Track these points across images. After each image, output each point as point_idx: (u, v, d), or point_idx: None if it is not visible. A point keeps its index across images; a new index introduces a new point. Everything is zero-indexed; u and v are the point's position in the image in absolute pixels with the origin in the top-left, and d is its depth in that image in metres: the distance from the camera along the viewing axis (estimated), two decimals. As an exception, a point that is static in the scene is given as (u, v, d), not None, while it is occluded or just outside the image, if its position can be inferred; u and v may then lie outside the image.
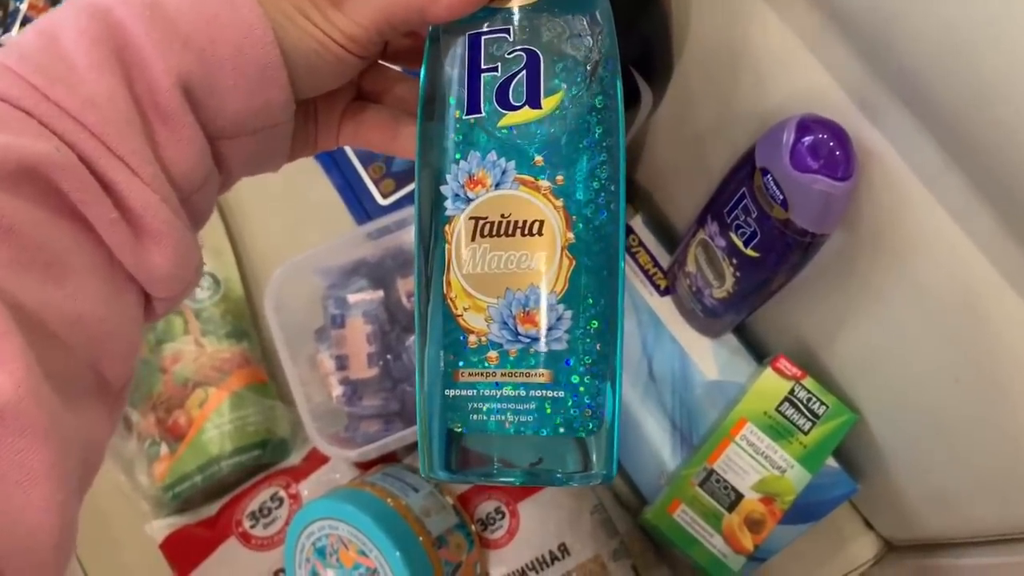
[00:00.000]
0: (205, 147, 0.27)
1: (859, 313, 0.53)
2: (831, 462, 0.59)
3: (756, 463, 0.55)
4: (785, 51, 0.48)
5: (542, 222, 0.28)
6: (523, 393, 0.28)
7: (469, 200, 0.28)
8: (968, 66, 0.35)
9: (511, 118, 0.28)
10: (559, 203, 0.28)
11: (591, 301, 0.28)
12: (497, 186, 0.28)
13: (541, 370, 0.28)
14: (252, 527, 0.62)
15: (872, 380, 0.56)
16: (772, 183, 0.47)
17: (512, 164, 0.28)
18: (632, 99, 0.51)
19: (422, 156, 0.30)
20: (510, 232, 0.28)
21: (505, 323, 0.28)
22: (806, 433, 0.56)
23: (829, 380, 0.58)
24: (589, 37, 0.28)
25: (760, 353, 0.63)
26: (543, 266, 0.28)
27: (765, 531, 0.54)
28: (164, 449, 0.66)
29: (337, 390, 0.58)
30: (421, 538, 0.50)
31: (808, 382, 0.57)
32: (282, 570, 0.60)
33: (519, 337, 0.28)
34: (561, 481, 0.29)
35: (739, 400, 0.57)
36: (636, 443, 0.62)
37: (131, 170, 0.25)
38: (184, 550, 0.64)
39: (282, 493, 0.63)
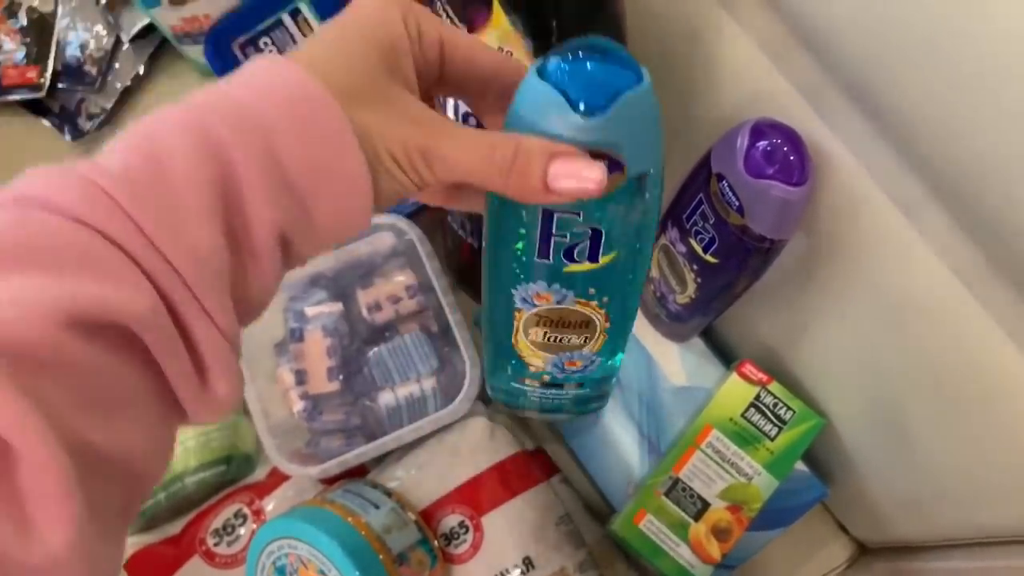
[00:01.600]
0: (281, 275, 0.28)
1: (822, 316, 0.52)
2: (800, 466, 0.59)
3: (722, 471, 0.55)
4: (741, 55, 0.47)
5: (589, 321, 0.38)
6: (561, 394, 0.43)
7: (535, 306, 0.37)
8: (914, 68, 0.35)
9: (574, 267, 0.35)
10: (602, 313, 0.37)
11: (612, 347, 0.40)
12: (558, 302, 0.37)
13: (576, 387, 0.43)
14: (216, 545, 0.61)
15: (837, 383, 0.55)
16: (728, 189, 0.46)
17: (571, 293, 0.36)
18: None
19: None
20: (565, 325, 0.38)
21: (557, 366, 0.40)
22: (772, 439, 0.55)
23: (796, 384, 0.58)
24: (642, 210, 0.33)
25: (728, 357, 0.63)
26: (587, 342, 0.39)
27: (732, 539, 0.54)
28: (127, 467, 0.65)
29: (298, 405, 0.57)
30: (381, 556, 0.49)
31: (774, 387, 0.56)
32: (246, 588, 0.60)
33: (566, 372, 0.41)
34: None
35: (704, 407, 0.56)
36: (604, 451, 0.62)
37: (213, 322, 0.25)
38: (148, 569, 0.62)
39: (246, 510, 0.62)
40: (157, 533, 0.64)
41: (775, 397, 0.56)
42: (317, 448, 0.56)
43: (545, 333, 0.39)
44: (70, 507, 0.21)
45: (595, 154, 0.29)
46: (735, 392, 0.56)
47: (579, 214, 0.32)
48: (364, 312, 0.58)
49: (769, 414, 0.55)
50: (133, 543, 0.64)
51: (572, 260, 0.35)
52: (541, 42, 0.45)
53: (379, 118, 0.27)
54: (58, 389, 0.22)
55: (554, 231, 0.33)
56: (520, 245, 0.34)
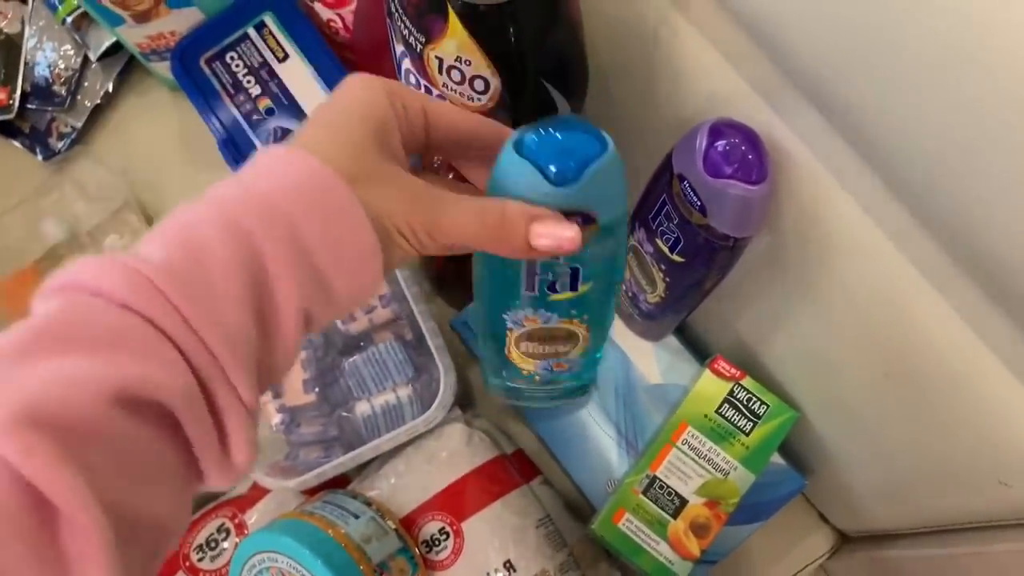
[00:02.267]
0: (300, 345, 0.30)
1: (792, 311, 0.53)
2: (777, 459, 0.59)
3: (699, 467, 0.55)
4: (697, 56, 0.47)
5: (572, 334, 0.44)
6: (552, 388, 0.51)
7: (524, 326, 0.43)
8: (864, 65, 0.35)
9: (557, 296, 0.40)
10: (584, 326, 0.43)
11: (595, 348, 0.47)
12: (544, 323, 0.43)
13: (565, 380, 0.50)
14: (200, 560, 0.61)
15: (808, 376, 0.56)
16: (689, 189, 0.46)
17: (555, 315, 0.42)
18: (549, 112, 0.50)
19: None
20: (552, 339, 0.44)
21: (547, 369, 0.48)
22: (747, 434, 0.55)
23: (769, 378, 0.58)
24: (613, 246, 0.38)
25: (703, 354, 0.63)
26: (571, 349, 0.46)
27: (711, 535, 0.54)
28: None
29: (275, 418, 0.57)
30: (361, 567, 0.50)
31: (747, 382, 0.56)
32: (231, 603, 0.60)
33: (554, 373, 0.48)
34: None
35: (679, 404, 0.57)
36: (583, 451, 0.62)
37: (239, 397, 0.27)
38: (134, 587, 0.63)
39: (228, 524, 0.62)
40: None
41: (749, 392, 0.56)
42: (296, 460, 0.56)
43: (534, 346, 0.45)
44: (109, 570, 0.23)
45: (570, 212, 0.34)
46: (709, 388, 0.56)
47: (559, 257, 0.37)
48: (338, 323, 0.58)
49: (743, 409, 0.56)
50: (118, 562, 0.64)
51: (555, 291, 0.40)
52: (498, 50, 0.45)
53: (383, 198, 0.30)
54: (102, 459, 0.23)
55: (538, 271, 0.39)
56: (509, 281, 0.40)
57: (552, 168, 0.33)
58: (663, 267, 0.52)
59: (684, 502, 0.55)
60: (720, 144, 0.44)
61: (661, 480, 0.55)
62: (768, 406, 0.56)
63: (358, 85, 0.33)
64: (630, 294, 0.58)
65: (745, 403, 0.56)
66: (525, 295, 0.40)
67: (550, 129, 0.34)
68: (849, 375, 0.51)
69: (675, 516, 0.55)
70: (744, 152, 0.44)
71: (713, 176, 0.44)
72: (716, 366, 0.56)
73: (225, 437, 0.27)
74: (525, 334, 0.44)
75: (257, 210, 0.27)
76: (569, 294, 0.40)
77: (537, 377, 0.49)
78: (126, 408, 0.24)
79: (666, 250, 0.50)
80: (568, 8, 0.48)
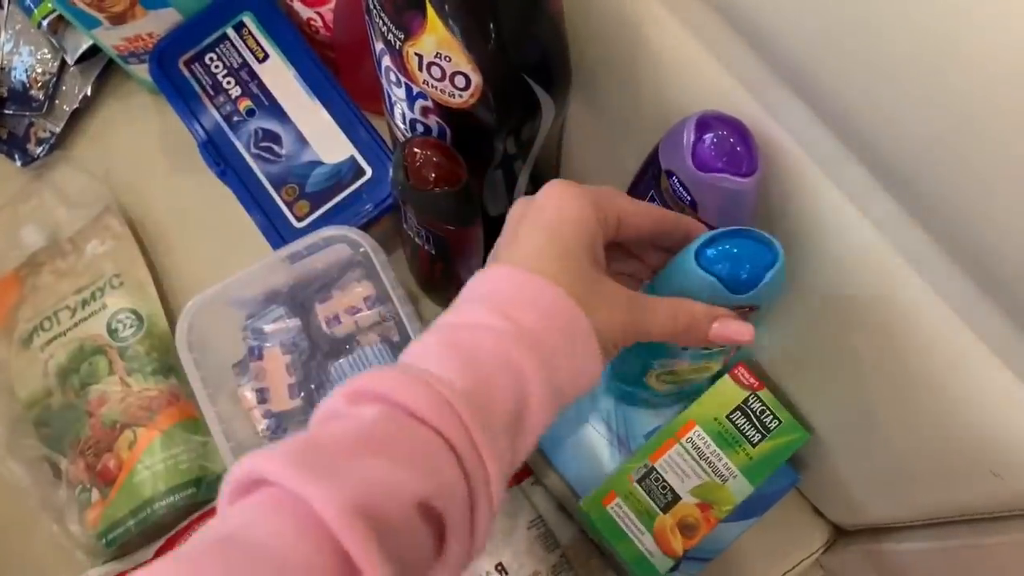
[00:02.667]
0: None
1: (785, 305, 0.52)
2: (770, 454, 0.59)
3: (699, 467, 0.54)
4: (682, 49, 0.47)
5: (711, 367, 0.53)
6: (670, 397, 0.57)
7: (673, 369, 0.52)
8: (849, 55, 0.35)
9: (710, 350, 0.49)
10: (720, 361, 0.52)
11: (721, 371, 0.53)
12: (692, 363, 0.51)
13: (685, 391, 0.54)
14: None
15: (802, 369, 0.55)
16: (678, 184, 0.46)
17: (703, 360, 0.51)
18: (532, 108, 0.50)
19: None
20: (693, 371, 0.52)
21: (678, 388, 0.55)
22: (754, 445, 0.55)
23: (759, 370, 0.58)
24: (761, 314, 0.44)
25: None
26: (705, 375, 0.54)
27: (697, 537, 0.53)
28: (95, 495, 0.64)
29: (261, 424, 0.56)
30: (351, 572, 0.49)
31: (764, 394, 0.56)
32: (222, 611, 0.59)
33: (682, 389, 0.55)
34: None
35: (692, 402, 0.56)
36: (575, 448, 0.61)
37: (492, 508, 0.31)
38: (121, 599, 0.62)
39: (217, 531, 0.61)
40: (128, 561, 0.63)
41: (763, 404, 0.55)
42: (283, 466, 0.56)
43: (675, 377, 0.52)
44: None
45: (740, 307, 0.40)
46: (725, 393, 0.56)
47: None
48: (323, 326, 0.57)
49: (755, 420, 0.55)
50: (104, 572, 0.63)
51: (709, 348, 0.46)
52: (478, 45, 0.45)
53: (604, 320, 0.35)
54: (396, 549, 0.28)
55: None
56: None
57: (731, 280, 0.39)
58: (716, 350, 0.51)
59: (677, 499, 0.54)
60: (708, 137, 0.44)
61: (658, 472, 0.54)
62: (780, 422, 0.55)
63: (569, 197, 0.37)
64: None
65: (758, 414, 0.55)
66: (682, 351, 0.47)
67: (727, 243, 0.39)
68: (843, 369, 0.51)
69: (665, 511, 0.54)
70: (733, 144, 0.43)
71: (702, 170, 0.44)
72: (736, 372, 0.56)
73: (473, 532, 0.31)
74: (671, 371, 0.51)
75: (527, 346, 0.33)
76: (719, 347, 0.45)
77: (664, 392, 0.56)
78: (420, 511, 0.29)
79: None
80: (549, 2, 0.47)
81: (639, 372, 0.53)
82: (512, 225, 0.38)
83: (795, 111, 0.42)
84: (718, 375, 0.57)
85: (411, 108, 0.50)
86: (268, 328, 0.56)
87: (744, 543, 0.61)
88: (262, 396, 0.56)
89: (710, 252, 0.39)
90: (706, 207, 0.45)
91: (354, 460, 0.28)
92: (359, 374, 0.32)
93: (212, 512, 0.63)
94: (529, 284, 0.34)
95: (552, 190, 0.37)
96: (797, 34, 0.38)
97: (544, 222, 0.36)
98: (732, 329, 0.39)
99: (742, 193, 0.44)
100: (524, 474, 0.63)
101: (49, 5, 0.73)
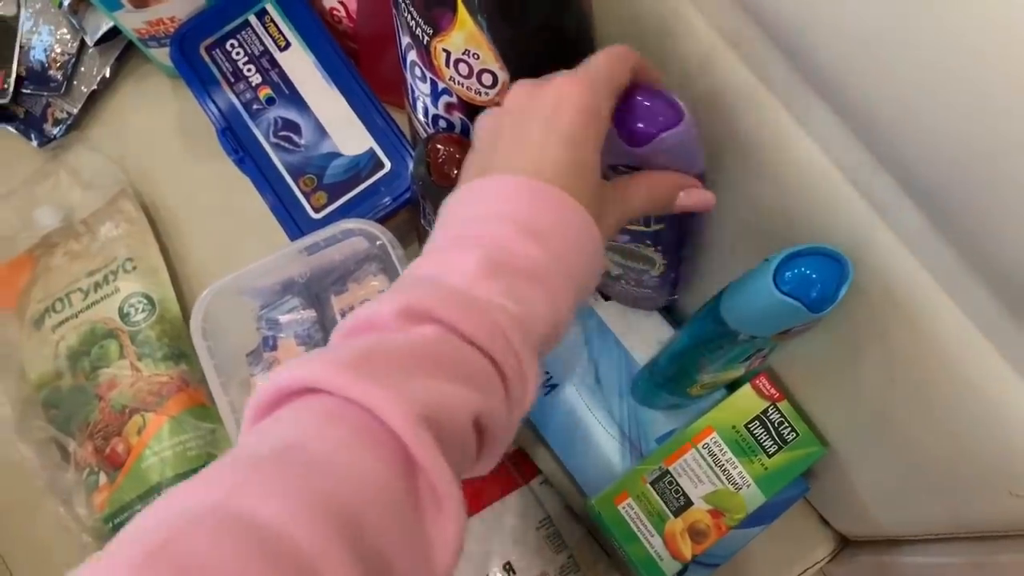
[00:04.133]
0: None
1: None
2: (781, 463, 0.58)
3: (713, 474, 0.54)
4: (710, 51, 0.46)
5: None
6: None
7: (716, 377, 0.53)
8: (884, 68, 0.35)
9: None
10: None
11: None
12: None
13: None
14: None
15: (816, 380, 0.55)
16: (627, 170, 0.44)
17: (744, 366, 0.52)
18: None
19: None
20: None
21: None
22: (770, 456, 0.55)
23: (776, 378, 0.57)
24: None
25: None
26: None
27: (707, 543, 0.53)
28: (103, 479, 0.64)
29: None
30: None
31: (784, 406, 0.56)
32: (227, 599, 0.59)
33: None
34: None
35: (710, 408, 0.56)
36: (585, 450, 0.61)
37: (515, 425, 0.33)
38: (127, 583, 0.62)
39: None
40: (135, 546, 0.63)
41: (782, 416, 0.55)
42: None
43: (713, 383, 0.53)
44: (459, 525, 0.28)
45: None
46: (744, 401, 0.56)
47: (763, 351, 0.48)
48: (338, 318, 0.57)
49: (772, 431, 0.55)
50: (110, 557, 0.63)
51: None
52: (507, 43, 0.44)
53: (606, 223, 0.37)
54: (452, 458, 0.28)
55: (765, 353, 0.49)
56: (730, 358, 0.49)
57: (810, 301, 0.40)
58: (649, 242, 0.51)
59: (689, 503, 0.54)
60: (624, 115, 0.40)
61: (672, 476, 0.54)
62: (797, 434, 0.55)
63: (585, 97, 0.36)
64: (633, 282, 0.57)
65: (776, 425, 0.55)
66: (742, 363, 0.50)
67: (803, 265, 0.41)
68: (856, 380, 0.50)
69: (676, 514, 0.54)
70: (649, 106, 0.41)
71: (640, 145, 0.41)
72: (757, 382, 0.56)
73: (502, 446, 0.33)
74: (713, 381, 0.53)
75: (556, 269, 0.34)
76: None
77: (696, 397, 0.57)
78: (474, 425, 0.30)
79: (643, 227, 0.49)
80: (580, 2, 0.46)
81: (688, 384, 0.53)
82: (511, 122, 0.37)
83: (827, 122, 0.42)
84: (736, 383, 0.57)
85: (435, 104, 0.50)
86: (283, 319, 0.56)
87: (750, 550, 0.61)
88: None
89: (787, 275, 0.41)
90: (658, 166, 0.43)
91: (413, 373, 0.29)
92: (402, 284, 0.33)
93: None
94: (556, 204, 0.34)
95: (565, 88, 0.37)
96: (834, 46, 0.37)
97: (560, 126, 0.36)
98: (695, 198, 0.42)
99: (681, 143, 0.42)
100: (532, 474, 0.62)
101: (71, -15, 0.72)
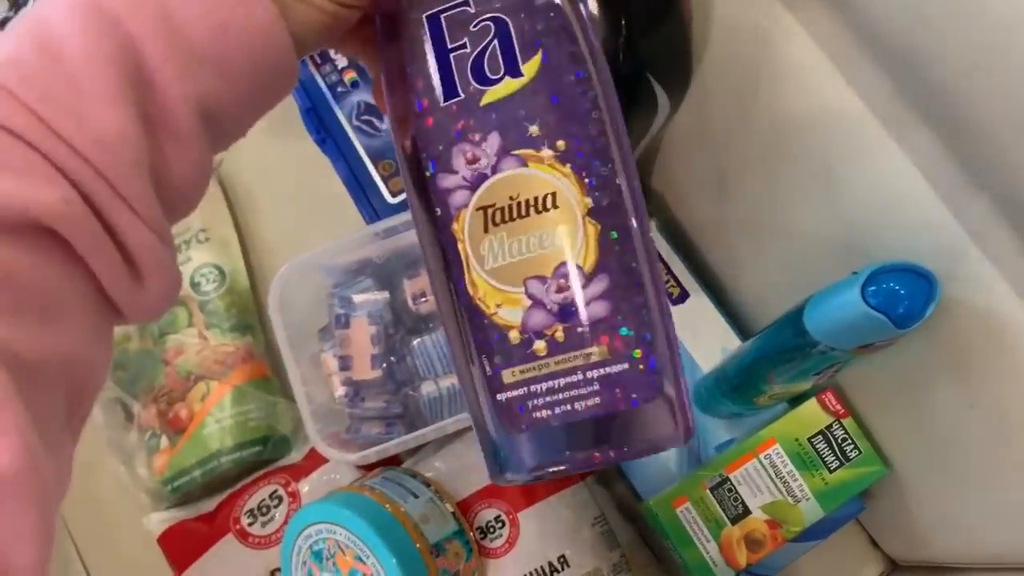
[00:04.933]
0: (210, 161, 0.27)
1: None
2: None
3: (773, 485, 0.54)
4: (807, 63, 0.46)
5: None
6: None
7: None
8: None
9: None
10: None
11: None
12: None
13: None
14: (250, 525, 0.62)
15: (885, 399, 0.55)
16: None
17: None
18: (649, 105, 0.50)
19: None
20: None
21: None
22: (831, 471, 0.55)
23: (844, 399, 0.57)
24: None
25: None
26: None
27: (762, 552, 0.53)
28: (164, 442, 0.66)
29: (339, 391, 0.57)
30: (418, 545, 0.49)
31: (848, 423, 0.55)
32: (278, 569, 0.60)
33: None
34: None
35: (774, 419, 0.56)
36: (641, 453, 0.61)
37: (134, 212, 0.24)
38: (182, 545, 0.63)
39: (281, 491, 0.62)
40: (191, 509, 0.64)
41: (846, 432, 0.55)
42: (357, 434, 0.56)
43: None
44: (12, 419, 0.21)
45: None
46: (809, 415, 0.55)
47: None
48: (410, 302, 0.58)
49: (836, 446, 0.55)
50: (167, 518, 0.64)
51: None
52: (609, 38, 0.45)
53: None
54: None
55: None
56: (802, 371, 0.48)
57: (897, 317, 0.40)
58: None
59: (747, 512, 0.54)
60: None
61: (732, 484, 0.54)
62: (860, 452, 0.55)
63: None
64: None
65: (839, 441, 0.55)
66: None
67: (890, 280, 0.40)
68: (930, 405, 0.50)
69: (734, 522, 0.54)
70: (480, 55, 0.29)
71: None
72: (823, 397, 0.56)
73: (131, 259, 0.24)
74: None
75: None
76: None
77: (541, 345, 0.42)
78: (1, 232, 0.22)
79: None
80: (681, 1, 0.47)
81: (755, 394, 0.53)
82: None
83: (922, 138, 0.41)
84: (799, 399, 0.56)
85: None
86: (357, 298, 0.57)
87: (797, 566, 0.61)
88: (344, 363, 0.56)
89: (875, 289, 0.40)
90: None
91: None
92: None
93: (276, 472, 0.64)
94: None
95: None
96: (940, 56, 0.37)
97: None
98: None
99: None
100: (587, 472, 0.63)
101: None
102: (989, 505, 0.49)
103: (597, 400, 0.27)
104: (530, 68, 0.26)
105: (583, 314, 0.27)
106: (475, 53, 0.27)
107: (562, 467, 0.28)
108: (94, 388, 0.26)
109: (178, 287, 0.27)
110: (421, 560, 0.49)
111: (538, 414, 0.27)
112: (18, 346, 0.22)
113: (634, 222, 0.27)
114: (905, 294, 0.40)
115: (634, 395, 0.27)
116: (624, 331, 0.27)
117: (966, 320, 0.44)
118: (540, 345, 0.27)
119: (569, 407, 0.27)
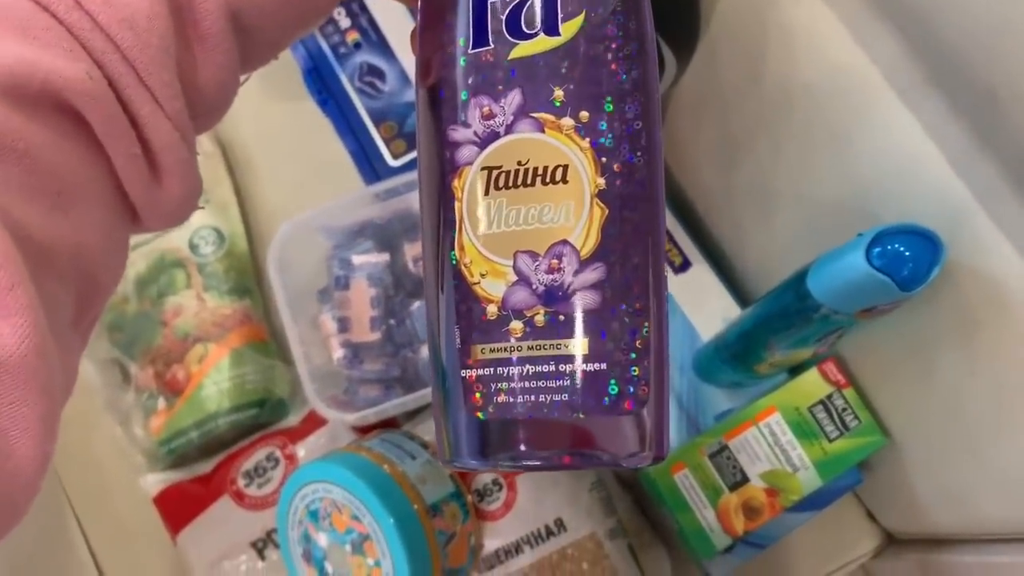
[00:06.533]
0: (237, 70, 0.26)
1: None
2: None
3: (772, 453, 0.54)
4: (816, 23, 0.46)
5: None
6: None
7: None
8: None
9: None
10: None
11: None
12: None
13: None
14: (246, 486, 0.61)
15: (886, 368, 0.54)
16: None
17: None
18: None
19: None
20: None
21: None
22: (830, 440, 0.54)
23: (846, 369, 0.57)
24: None
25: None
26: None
27: (759, 521, 0.53)
28: (161, 403, 0.66)
29: (338, 352, 0.56)
30: (415, 506, 0.49)
31: (849, 393, 0.55)
32: (275, 530, 0.60)
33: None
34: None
35: (774, 388, 0.56)
36: (640, 421, 0.61)
37: (158, 103, 0.23)
38: (177, 505, 0.63)
39: (278, 453, 0.62)
40: (187, 471, 0.64)
41: (846, 402, 0.55)
42: (354, 396, 0.56)
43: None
44: (24, 300, 0.20)
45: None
46: (809, 385, 0.55)
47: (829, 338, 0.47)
48: (410, 264, 0.57)
49: (835, 416, 0.55)
50: (163, 479, 0.64)
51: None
52: None
53: None
54: (3, 170, 0.20)
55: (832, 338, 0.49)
56: (803, 337, 0.49)
57: (901, 278, 0.40)
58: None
59: (745, 480, 0.54)
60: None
61: (731, 451, 0.54)
62: (860, 422, 0.55)
63: None
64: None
65: (839, 411, 0.55)
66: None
67: (895, 241, 0.40)
68: (931, 374, 0.50)
69: (732, 489, 0.54)
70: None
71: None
72: (825, 367, 0.55)
73: (152, 155, 0.23)
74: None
75: None
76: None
77: (518, 326, 0.40)
78: (21, 105, 0.21)
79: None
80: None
81: (756, 361, 0.53)
82: None
83: (930, 101, 0.41)
84: (799, 368, 0.56)
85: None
86: (356, 260, 0.56)
87: (792, 540, 0.61)
88: (343, 325, 0.56)
89: (880, 250, 0.40)
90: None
91: None
92: None
93: (273, 435, 0.64)
94: None
95: None
96: (949, 15, 0.36)
97: None
98: None
99: None
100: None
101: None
102: (988, 476, 0.49)
103: (565, 397, 0.25)
104: (569, 28, 0.24)
105: (569, 301, 0.25)
106: (514, 3, 0.25)
107: (516, 462, 0.26)
108: (104, 292, 0.25)
109: (198, 195, 0.26)
110: (418, 520, 0.49)
111: (500, 398, 0.25)
112: (32, 229, 0.21)
113: (648, 216, 0.25)
114: (910, 256, 0.40)
115: (606, 402, 0.25)
116: (610, 329, 0.25)
117: (970, 285, 0.43)
118: (517, 325, 0.25)
119: (533, 398, 0.25)
